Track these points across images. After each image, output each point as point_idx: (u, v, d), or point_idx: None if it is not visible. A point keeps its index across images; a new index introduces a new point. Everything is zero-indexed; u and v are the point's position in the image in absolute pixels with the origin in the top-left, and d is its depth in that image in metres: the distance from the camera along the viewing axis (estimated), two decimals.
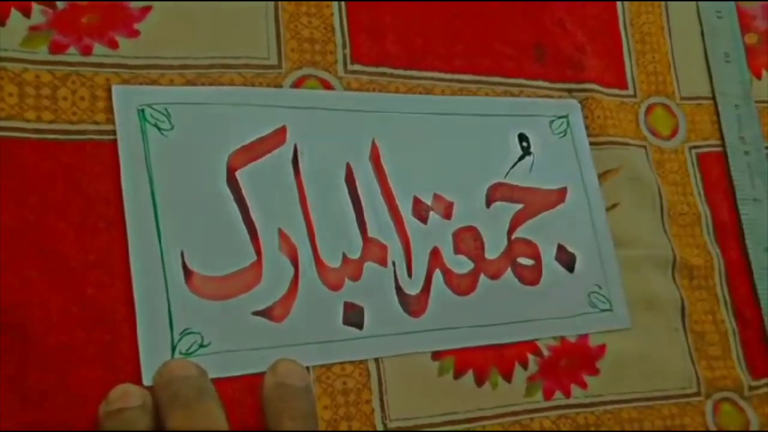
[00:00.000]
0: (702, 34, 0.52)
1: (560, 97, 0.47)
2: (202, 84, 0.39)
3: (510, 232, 0.43)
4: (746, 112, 0.51)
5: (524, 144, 0.45)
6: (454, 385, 0.39)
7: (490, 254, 0.42)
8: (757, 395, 0.45)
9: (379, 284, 0.39)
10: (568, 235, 0.44)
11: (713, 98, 0.51)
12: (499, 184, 0.44)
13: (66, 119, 0.37)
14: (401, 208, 0.41)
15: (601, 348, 0.43)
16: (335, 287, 0.38)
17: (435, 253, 0.41)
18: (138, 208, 0.36)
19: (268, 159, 0.39)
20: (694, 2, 0.53)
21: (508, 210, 0.43)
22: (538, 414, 0.40)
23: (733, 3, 0.53)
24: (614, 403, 0.42)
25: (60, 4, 0.38)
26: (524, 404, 0.40)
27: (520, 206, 0.44)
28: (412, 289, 0.40)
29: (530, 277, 0.43)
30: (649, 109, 0.49)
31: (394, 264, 0.40)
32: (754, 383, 0.45)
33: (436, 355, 0.39)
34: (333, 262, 0.39)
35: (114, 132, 0.37)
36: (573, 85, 0.47)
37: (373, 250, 0.40)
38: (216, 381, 0.34)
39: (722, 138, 0.50)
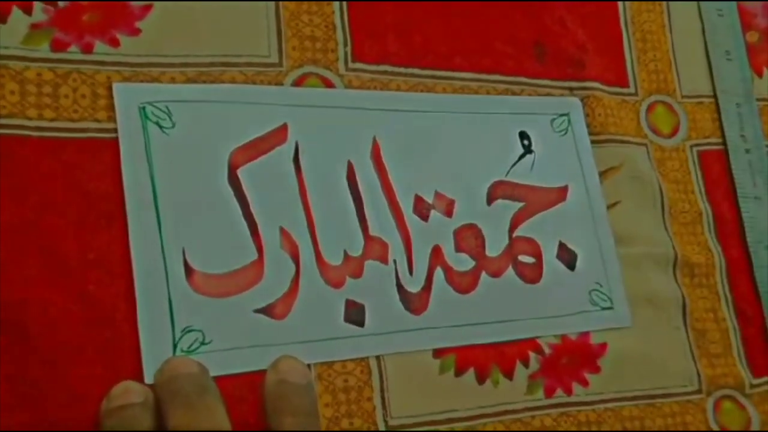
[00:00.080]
0: (703, 32, 0.52)
1: (561, 95, 0.47)
2: (204, 82, 0.39)
3: (511, 230, 0.43)
4: (747, 110, 0.51)
5: (525, 142, 0.45)
6: (455, 383, 0.39)
7: (491, 252, 0.42)
8: (758, 393, 0.45)
9: (381, 282, 0.39)
10: (569, 233, 0.44)
11: (714, 96, 0.51)
12: (500, 182, 0.44)
13: (67, 117, 0.37)
14: (402, 206, 0.41)
15: (602, 346, 0.43)
16: (336, 285, 0.38)
17: (436, 251, 0.41)
18: (139, 205, 0.36)
19: (270, 157, 0.39)
20: (695, 0, 0.53)
21: (509, 208, 0.43)
22: (540, 412, 0.40)
23: (734, 1, 0.53)
24: (615, 401, 0.42)
25: (61, 3, 0.38)
26: (525, 402, 0.40)
27: (521, 204, 0.44)
28: (414, 286, 0.40)
29: (531, 275, 0.43)
30: (651, 107, 0.49)
31: (395, 262, 0.40)
32: (755, 381, 0.45)
33: (438, 353, 0.39)
34: (334, 260, 0.39)
35: (115, 130, 0.37)
36: (574, 84, 0.47)
37: (375, 247, 0.40)
38: (217, 378, 0.34)
39: (723, 136, 0.50)
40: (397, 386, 0.38)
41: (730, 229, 0.48)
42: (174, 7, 0.40)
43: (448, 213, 0.42)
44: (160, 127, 0.38)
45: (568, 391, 0.41)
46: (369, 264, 0.39)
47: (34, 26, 0.37)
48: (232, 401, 0.34)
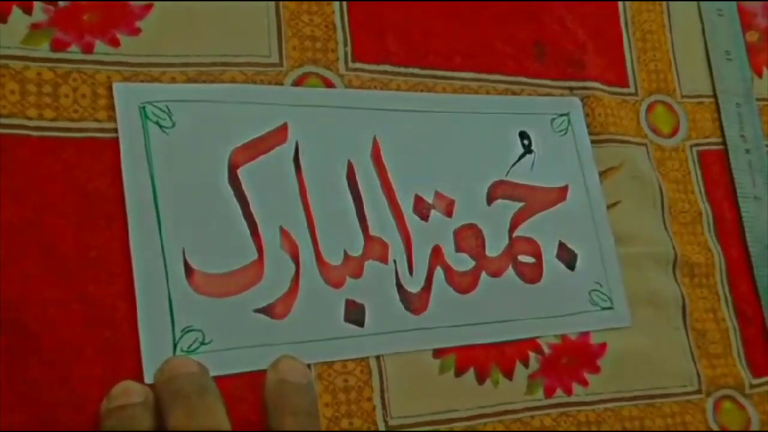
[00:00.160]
0: (703, 32, 0.52)
1: (561, 95, 0.47)
2: (204, 81, 0.39)
3: (511, 230, 0.43)
4: (747, 110, 0.51)
5: (525, 142, 0.45)
6: (455, 383, 0.39)
7: (491, 252, 0.42)
8: (758, 393, 0.45)
9: (381, 282, 0.39)
10: (569, 233, 0.44)
11: (714, 96, 0.51)
12: (500, 182, 0.44)
13: (67, 117, 0.37)
14: (402, 206, 0.41)
15: (602, 346, 0.43)
16: (336, 285, 0.38)
17: (436, 251, 0.41)
18: (139, 205, 0.36)
19: (270, 156, 0.39)
20: (695, 0, 0.53)
21: (509, 208, 0.43)
22: (539, 412, 0.40)
23: (734, 1, 0.53)
24: (615, 401, 0.42)
25: (61, 3, 0.38)
26: (525, 402, 0.40)
27: (521, 204, 0.44)
28: (414, 286, 0.40)
29: (531, 275, 0.43)
30: (650, 107, 0.49)
31: (395, 262, 0.40)
32: (755, 381, 0.46)
33: (438, 353, 0.39)
34: (334, 260, 0.39)
35: (115, 129, 0.37)
36: (574, 83, 0.47)
37: (375, 247, 0.40)
38: (217, 378, 0.34)
39: (723, 136, 0.50)
40: (397, 386, 0.38)
41: (730, 229, 0.48)
42: (174, 6, 0.40)
43: (448, 213, 0.42)
44: (160, 126, 0.38)
45: (568, 391, 0.41)
46: (369, 264, 0.39)
47: (35, 26, 0.37)
48: (232, 401, 0.34)
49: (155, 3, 0.39)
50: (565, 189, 0.45)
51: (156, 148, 0.37)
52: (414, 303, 0.40)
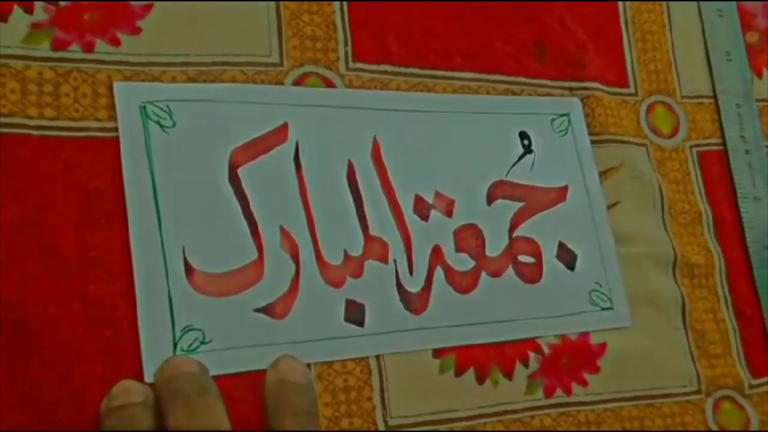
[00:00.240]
0: (703, 32, 0.52)
1: (561, 95, 0.47)
2: (204, 81, 0.39)
3: (511, 230, 0.43)
4: (747, 111, 0.51)
5: (525, 142, 0.45)
6: (455, 383, 0.39)
7: (491, 252, 0.42)
8: (757, 393, 0.45)
9: (381, 282, 0.39)
10: (569, 233, 0.44)
11: (714, 97, 0.51)
12: (501, 182, 0.44)
13: (68, 116, 0.37)
14: (402, 206, 0.41)
15: (602, 346, 0.43)
16: (337, 284, 0.38)
17: (436, 251, 0.41)
18: (139, 205, 0.36)
19: (270, 156, 0.39)
20: (695, 1, 0.53)
21: (509, 208, 0.43)
22: (539, 412, 0.40)
23: (734, 2, 0.53)
24: (615, 401, 0.42)
25: (62, 2, 0.38)
26: (525, 402, 0.40)
27: (521, 204, 0.44)
28: (414, 286, 0.40)
29: (531, 275, 0.43)
30: (650, 107, 0.49)
31: (395, 261, 0.40)
32: (754, 381, 0.46)
33: (438, 353, 0.39)
34: (334, 260, 0.39)
35: (116, 129, 0.37)
36: (574, 84, 0.47)
37: (375, 247, 0.40)
38: (217, 378, 0.34)
39: (723, 136, 0.50)
40: (397, 386, 0.38)
41: (730, 229, 0.48)
42: (175, 6, 0.40)
43: (448, 213, 0.42)
44: (161, 126, 0.38)
45: (568, 391, 0.41)
46: (369, 264, 0.39)
47: (35, 25, 0.37)
48: (232, 401, 0.34)
49: (156, 3, 0.39)
50: (565, 189, 0.45)
51: (156, 147, 0.37)
52: (414, 303, 0.40)
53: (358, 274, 0.39)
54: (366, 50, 0.43)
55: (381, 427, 0.37)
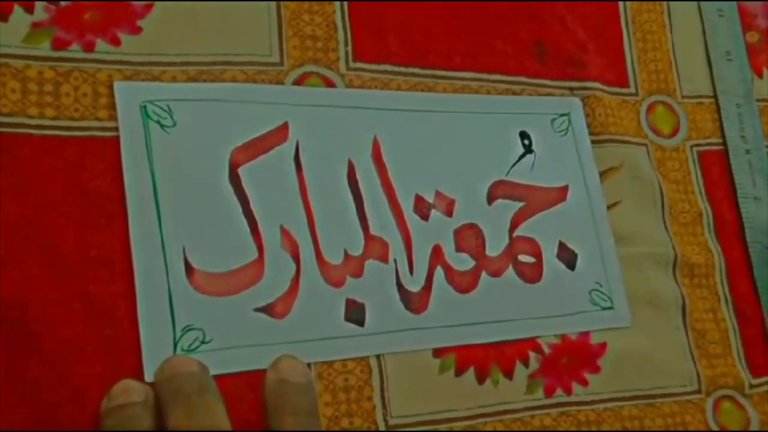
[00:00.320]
0: (703, 32, 0.52)
1: (562, 95, 0.47)
2: (205, 81, 0.39)
3: (511, 229, 0.43)
4: (747, 111, 0.51)
5: (526, 142, 0.45)
6: (455, 383, 0.39)
7: (492, 252, 0.42)
8: (757, 393, 0.45)
9: (381, 281, 0.39)
10: (569, 233, 0.44)
11: (714, 97, 0.51)
12: (501, 182, 0.44)
13: (68, 116, 0.37)
14: (403, 205, 0.41)
15: (602, 346, 0.43)
16: (337, 284, 0.38)
17: (436, 251, 0.41)
18: (140, 204, 0.36)
19: (270, 156, 0.39)
20: (696, 1, 0.53)
21: (509, 208, 0.43)
22: (539, 411, 0.40)
23: (734, 2, 0.53)
24: (615, 401, 0.42)
25: (63, 2, 0.38)
26: (525, 402, 0.40)
27: (521, 204, 0.44)
28: (414, 286, 0.40)
29: (531, 274, 0.43)
30: (651, 107, 0.49)
31: (395, 261, 0.40)
32: (754, 381, 0.46)
33: (438, 353, 0.39)
34: (335, 259, 0.39)
35: (116, 128, 0.37)
36: (574, 83, 0.47)
37: (375, 247, 0.40)
38: (218, 377, 0.34)
39: (723, 136, 0.50)
40: (398, 386, 0.38)
41: (730, 229, 0.48)
42: (175, 6, 0.40)
43: (449, 212, 0.42)
44: (161, 125, 0.38)
45: (568, 391, 0.41)
46: (369, 263, 0.39)
47: (36, 25, 0.37)
48: (232, 400, 0.34)
49: (156, 2, 0.39)
50: (565, 189, 0.45)
51: (157, 147, 0.37)
52: (414, 302, 0.40)
53: (358, 273, 0.39)
54: (366, 50, 0.43)
55: (381, 426, 0.37)
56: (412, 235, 0.41)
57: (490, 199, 0.43)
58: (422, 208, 0.41)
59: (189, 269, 0.36)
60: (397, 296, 0.39)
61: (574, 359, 0.42)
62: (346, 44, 0.43)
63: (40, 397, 0.33)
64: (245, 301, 0.37)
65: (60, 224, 0.35)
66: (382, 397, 0.38)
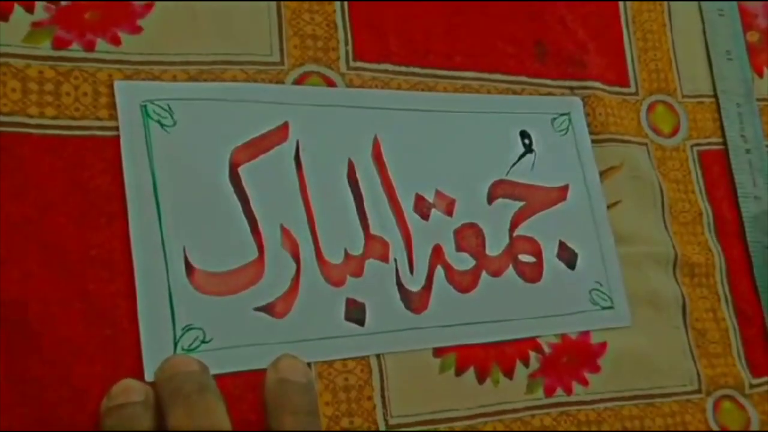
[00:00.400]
0: (704, 31, 0.52)
1: (562, 94, 0.47)
2: (205, 80, 0.39)
3: (511, 229, 0.43)
4: (747, 110, 0.51)
5: (526, 141, 0.45)
6: (455, 382, 0.39)
7: (492, 251, 0.42)
8: (758, 393, 0.45)
9: (381, 281, 0.39)
10: (569, 233, 0.44)
11: (715, 96, 0.51)
12: (501, 182, 0.44)
13: (69, 115, 0.37)
14: (403, 205, 0.41)
15: (602, 345, 0.43)
16: (337, 283, 0.38)
17: (436, 250, 0.41)
18: (140, 204, 0.36)
19: (271, 155, 0.39)
20: (696, 0, 0.53)
21: (509, 207, 0.43)
22: (539, 411, 0.40)
23: (734, 1, 0.53)
24: (615, 401, 0.42)
25: (63, 1, 0.38)
26: (525, 401, 0.40)
27: (521, 203, 0.44)
28: (414, 285, 0.40)
29: (531, 274, 0.43)
30: (651, 106, 0.49)
31: (395, 261, 0.40)
32: (755, 381, 0.46)
33: (438, 352, 0.39)
34: (335, 259, 0.39)
35: (117, 128, 0.37)
36: (575, 83, 0.47)
37: (375, 246, 0.40)
38: (218, 377, 0.34)
39: (723, 136, 0.50)
40: (398, 385, 0.38)
41: (730, 229, 0.48)
42: (175, 5, 0.40)
43: (449, 212, 0.42)
44: (162, 125, 0.38)
45: (568, 391, 0.41)
46: (369, 263, 0.39)
47: (36, 24, 0.37)
48: (232, 400, 0.34)
49: (156, 2, 0.39)
50: (565, 188, 0.45)
51: (157, 146, 0.37)
52: (414, 302, 0.40)
53: (358, 273, 0.39)
54: (367, 49, 0.43)
55: (381, 426, 0.37)
56: (413, 235, 0.41)
57: (491, 199, 0.43)
58: (422, 208, 0.41)
59: (189, 269, 0.36)
60: (398, 296, 0.39)
61: (574, 359, 0.42)
62: (346, 44, 0.43)
63: (40, 397, 0.33)
64: (245, 301, 0.37)
65: (60, 224, 0.35)
66: (383, 396, 0.38)
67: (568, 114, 0.47)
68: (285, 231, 0.38)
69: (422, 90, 0.44)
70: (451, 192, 0.42)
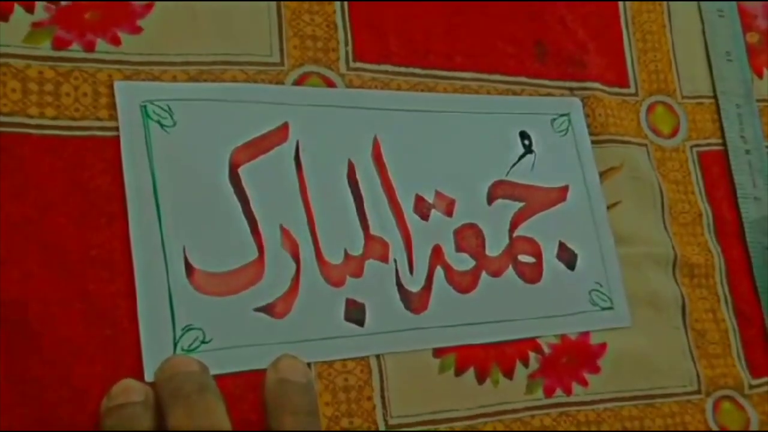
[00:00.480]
0: (703, 32, 0.52)
1: (562, 95, 0.47)
2: (205, 80, 0.39)
3: (511, 229, 0.43)
4: (747, 111, 0.51)
5: (526, 142, 0.45)
6: (455, 383, 0.39)
7: (492, 252, 0.42)
8: (757, 393, 0.45)
9: (381, 281, 0.39)
10: (569, 233, 0.44)
11: (714, 97, 0.51)
12: (501, 182, 0.44)
13: (69, 115, 0.37)
14: (403, 205, 0.41)
15: (602, 346, 0.43)
16: (337, 284, 0.38)
17: (436, 251, 0.41)
18: (140, 204, 0.36)
19: (271, 156, 0.39)
20: (696, 1, 0.53)
21: (509, 208, 0.43)
22: (539, 411, 0.40)
23: (734, 2, 0.53)
24: (615, 401, 0.42)
25: (63, 2, 0.38)
26: (525, 402, 0.40)
27: (521, 204, 0.44)
28: (414, 286, 0.40)
29: (531, 274, 0.43)
30: (651, 107, 0.49)
31: (395, 261, 0.40)
32: (754, 381, 0.46)
33: (438, 353, 0.39)
34: (335, 259, 0.39)
35: (117, 128, 0.37)
36: (574, 84, 0.47)
37: (375, 247, 0.40)
38: (217, 377, 0.34)
39: (723, 137, 0.50)
40: (398, 385, 0.38)
41: (730, 229, 0.48)
42: (175, 5, 0.40)
43: (449, 212, 0.42)
44: (162, 125, 0.38)
45: (568, 391, 0.41)
46: (369, 263, 0.39)
47: (36, 24, 0.37)
48: (232, 400, 0.34)
49: (156, 2, 0.39)
50: (565, 189, 0.45)
51: (157, 146, 0.37)
52: (414, 302, 0.40)
53: (358, 273, 0.39)
54: (366, 50, 0.43)
55: (381, 426, 0.37)
56: (412, 235, 0.41)
57: (490, 199, 0.43)
58: (422, 208, 0.41)
59: (189, 269, 0.36)
60: (397, 296, 0.39)
61: (573, 359, 0.42)
62: (346, 44, 0.43)
63: (40, 397, 0.33)
64: (245, 301, 0.37)
65: (60, 224, 0.35)
66: (382, 396, 0.38)
67: (567, 115, 0.47)
68: (285, 231, 0.38)
69: (422, 90, 0.44)
70: (451, 192, 0.42)
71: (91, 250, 0.35)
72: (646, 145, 0.48)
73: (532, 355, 0.41)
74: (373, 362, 0.38)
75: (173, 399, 0.32)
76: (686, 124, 0.50)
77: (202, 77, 0.39)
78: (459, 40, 0.45)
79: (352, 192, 0.40)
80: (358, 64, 0.43)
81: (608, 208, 0.46)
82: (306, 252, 0.38)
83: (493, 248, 0.42)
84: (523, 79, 0.46)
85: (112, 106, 0.37)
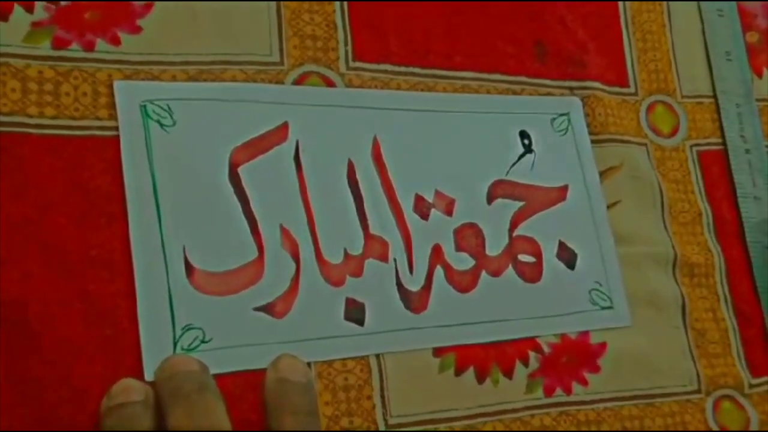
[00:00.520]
0: (703, 32, 0.52)
1: (562, 94, 0.47)
2: (205, 80, 0.39)
3: (511, 229, 0.43)
4: (747, 111, 0.51)
5: (526, 141, 0.45)
6: (455, 382, 0.39)
7: (491, 251, 0.42)
8: (757, 393, 0.45)
9: (381, 280, 0.39)
10: (569, 233, 0.44)
11: (714, 96, 0.51)
12: (501, 182, 0.44)
13: (68, 115, 0.37)
14: (402, 205, 0.41)
15: (602, 345, 0.43)
16: (337, 283, 0.38)
17: (436, 250, 0.41)
18: (140, 204, 0.36)
19: (270, 155, 0.39)
20: (696, 0, 0.53)
21: (509, 207, 0.43)
22: (539, 411, 0.40)
23: (734, 2, 0.53)
24: (615, 401, 0.42)
25: (63, 1, 0.38)
26: (525, 401, 0.40)
27: (521, 203, 0.44)
28: (414, 285, 0.40)
29: (531, 274, 0.43)
30: (651, 107, 0.49)
31: (395, 260, 0.40)
32: (754, 381, 0.46)
33: (438, 352, 0.39)
34: (334, 258, 0.39)
35: (116, 128, 0.37)
36: (574, 83, 0.47)
37: (375, 246, 0.40)
38: (217, 377, 0.34)
39: (723, 136, 0.50)
40: (397, 385, 0.38)
41: (730, 229, 0.48)
42: (175, 5, 0.40)
43: (449, 212, 0.42)
44: (161, 125, 0.38)
45: (568, 391, 0.41)
46: (369, 263, 0.39)
47: (36, 24, 0.37)
48: (232, 400, 0.34)
49: (156, 2, 0.39)
50: (565, 188, 0.45)
51: (157, 146, 0.37)
52: (414, 302, 0.40)
53: (358, 273, 0.39)
54: (366, 49, 0.43)
55: (381, 426, 0.37)
56: (412, 235, 0.41)
57: (490, 199, 0.43)
58: (422, 208, 0.41)
59: (189, 269, 0.36)
60: (397, 296, 0.39)
61: (573, 359, 0.42)
62: (346, 44, 0.43)
63: (40, 397, 0.33)
64: (245, 301, 0.37)
65: (60, 224, 0.35)
66: (382, 396, 0.38)
67: (567, 114, 0.47)
68: (285, 231, 0.38)
69: (422, 90, 0.44)
70: (451, 192, 0.42)
71: (91, 250, 0.35)
72: (645, 145, 0.48)
73: (531, 354, 0.41)
74: (373, 362, 0.38)
75: (173, 398, 0.32)
76: (686, 123, 0.50)
77: (202, 77, 0.39)
78: (459, 40, 0.45)
79: (352, 192, 0.40)
80: (358, 64, 0.43)
81: (608, 207, 0.46)
82: (306, 251, 0.38)
83: (493, 248, 0.42)
84: (523, 78, 0.46)
85: (112, 105, 0.37)
